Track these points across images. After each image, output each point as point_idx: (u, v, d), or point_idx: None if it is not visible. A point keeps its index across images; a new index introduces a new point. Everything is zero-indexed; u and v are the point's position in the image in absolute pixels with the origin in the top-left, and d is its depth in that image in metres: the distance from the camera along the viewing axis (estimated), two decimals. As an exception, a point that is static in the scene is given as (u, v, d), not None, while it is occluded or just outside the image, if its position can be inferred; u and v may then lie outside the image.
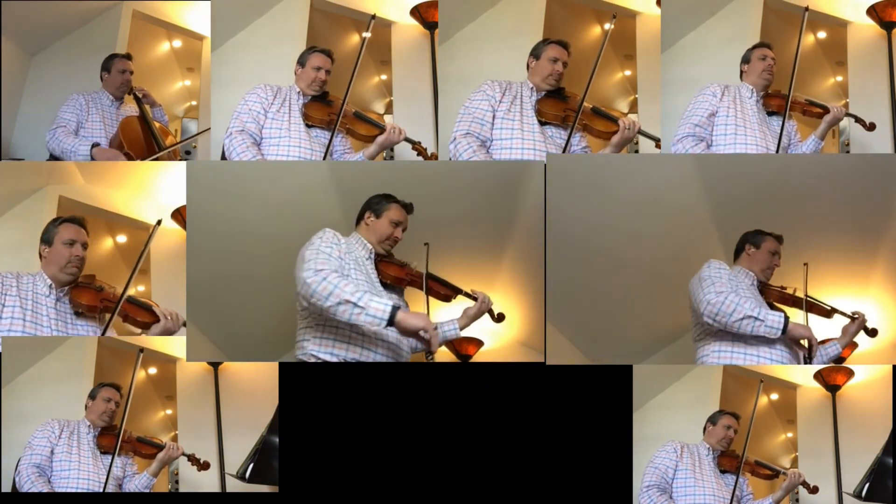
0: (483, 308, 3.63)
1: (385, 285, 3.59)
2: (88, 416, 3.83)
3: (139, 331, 3.75)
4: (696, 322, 3.75)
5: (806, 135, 3.97)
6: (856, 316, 3.81)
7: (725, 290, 3.65)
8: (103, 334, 3.69)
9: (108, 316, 3.68)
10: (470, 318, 3.63)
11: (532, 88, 3.96)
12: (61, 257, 3.68)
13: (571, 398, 3.77)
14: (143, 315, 3.72)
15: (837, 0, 4.02)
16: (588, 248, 3.93)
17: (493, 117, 3.91)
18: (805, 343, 3.69)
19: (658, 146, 3.90)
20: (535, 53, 3.97)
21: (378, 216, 3.59)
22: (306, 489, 3.77)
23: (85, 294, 3.70)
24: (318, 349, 3.51)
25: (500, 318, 3.72)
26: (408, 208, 3.62)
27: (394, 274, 3.59)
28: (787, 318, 3.64)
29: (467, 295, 3.68)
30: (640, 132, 3.89)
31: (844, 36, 4.04)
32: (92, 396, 3.83)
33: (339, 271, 3.37)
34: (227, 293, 4.02)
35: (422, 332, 3.27)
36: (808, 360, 3.70)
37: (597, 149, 3.96)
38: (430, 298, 3.63)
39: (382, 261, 3.60)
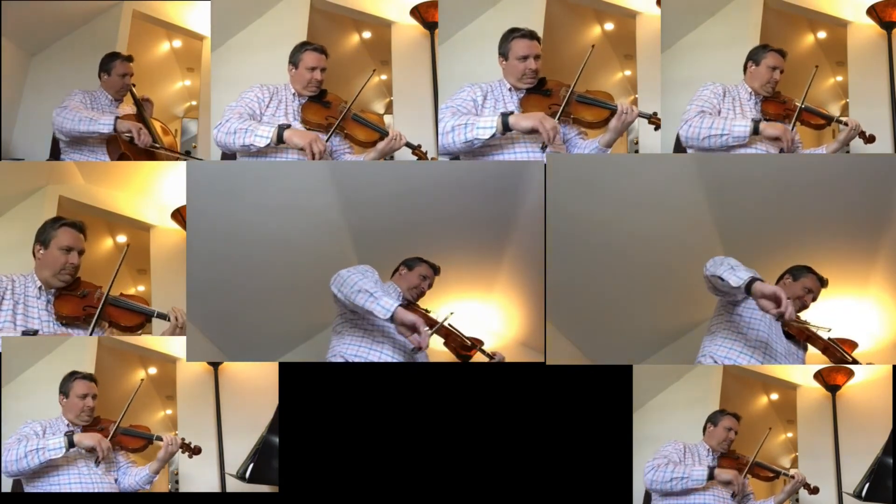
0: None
1: None
2: (66, 415, 3.76)
3: (139, 332, 3.76)
4: (714, 314, 3.75)
5: (805, 139, 3.97)
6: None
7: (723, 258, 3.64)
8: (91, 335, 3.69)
9: (94, 321, 3.69)
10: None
11: (510, 89, 3.92)
12: (56, 263, 3.67)
13: (571, 398, 3.77)
14: (129, 318, 3.71)
15: (837, 0, 4.02)
16: (588, 248, 3.93)
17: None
18: (771, 305, 3.50)
19: (656, 121, 3.86)
20: (502, 52, 3.92)
21: (410, 269, 3.88)
22: (306, 489, 3.77)
23: (67, 304, 3.68)
24: (346, 351, 3.72)
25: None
26: (435, 269, 3.90)
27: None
28: (754, 278, 3.48)
29: (483, 352, 3.84)
30: (641, 115, 3.86)
31: (844, 36, 4.04)
32: (64, 393, 3.75)
33: (370, 278, 3.72)
34: (227, 293, 4.02)
35: (416, 331, 3.62)
36: (780, 317, 3.50)
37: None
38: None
39: (408, 306, 3.81)
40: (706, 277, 3.62)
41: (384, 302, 3.61)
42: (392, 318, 3.60)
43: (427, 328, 3.64)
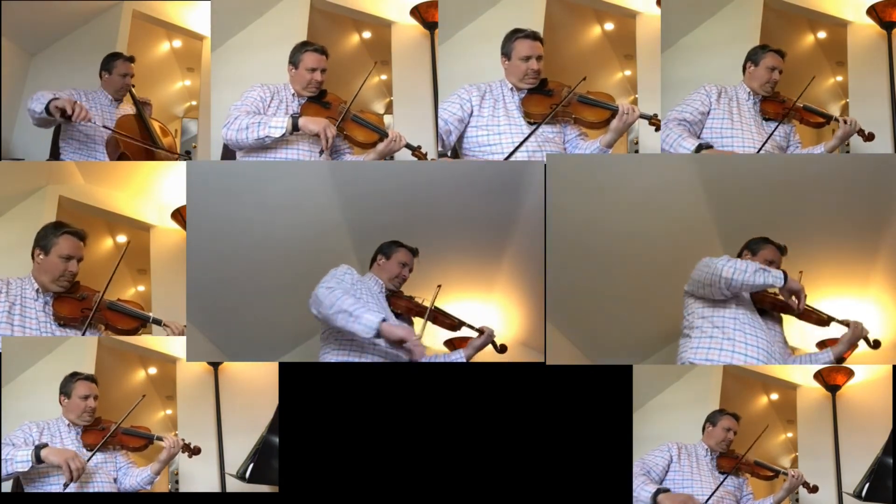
0: (487, 341, 3.86)
1: (397, 315, 3.81)
2: (66, 415, 3.75)
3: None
4: (685, 314, 3.74)
5: (805, 138, 3.97)
6: (849, 324, 3.78)
7: (728, 257, 3.66)
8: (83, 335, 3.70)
9: (88, 321, 3.70)
10: (476, 348, 3.86)
11: (512, 88, 3.92)
12: (55, 270, 3.68)
13: (571, 398, 3.77)
14: (125, 322, 3.73)
15: (837, 0, 4.02)
16: (588, 249, 3.93)
17: (468, 122, 3.90)
18: (794, 298, 3.67)
19: (656, 122, 3.86)
20: (505, 52, 3.92)
21: (388, 258, 3.87)
22: (306, 489, 3.77)
23: (66, 306, 3.70)
24: (335, 359, 3.70)
25: (502, 349, 3.88)
26: (413, 252, 3.88)
27: (403, 305, 3.85)
28: (786, 273, 3.64)
29: (471, 327, 3.86)
30: (642, 115, 3.85)
31: (844, 36, 4.04)
32: (66, 393, 3.75)
33: (347, 291, 3.68)
34: (227, 293, 4.02)
35: (406, 344, 3.63)
36: (798, 311, 3.71)
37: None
38: (438, 327, 3.90)
39: (393, 295, 3.86)
40: (730, 280, 3.59)
41: (365, 320, 3.58)
42: (378, 336, 3.59)
43: (416, 337, 3.63)
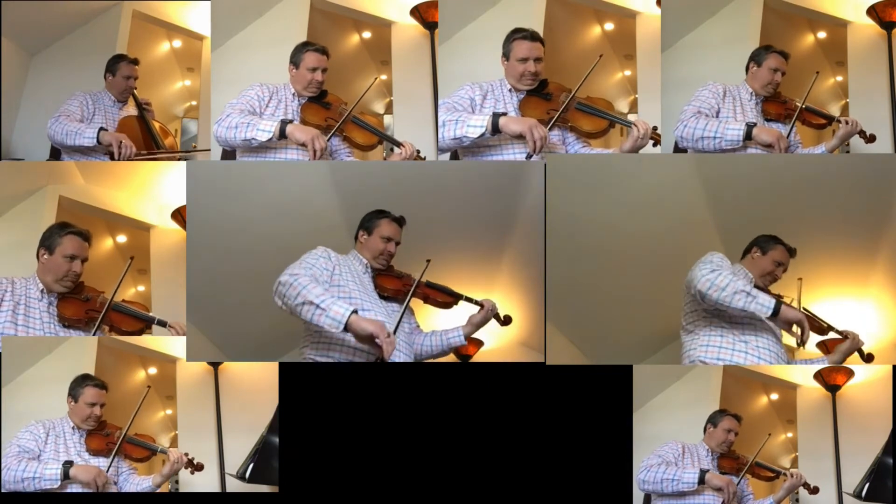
0: (488, 315, 3.74)
1: (385, 298, 3.68)
2: (72, 418, 3.75)
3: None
4: (687, 310, 3.73)
5: (805, 138, 3.97)
6: (847, 335, 3.78)
7: (721, 269, 3.60)
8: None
9: (97, 324, 3.70)
10: (475, 325, 3.74)
11: (510, 90, 3.89)
12: (59, 270, 3.68)
13: (571, 398, 3.77)
14: (130, 324, 3.73)
15: (837, 0, 4.02)
16: (588, 248, 3.93)
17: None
18: (796, 329, 3.60)
19: (655, 137, 3.83)
20: (505, 52, 3.88)
21: (370, 233, 3.70)
22: (306, 489, 3.77)
23: (70, 307, 3.70)
24: (315, 353, 3.58)
25: (506, 320, 3.80)
26: (399, 222, 3.71)
27: (392, 286, 3.69)
28: (779, 300, 3.58)
29: (470, 300, 3.76)
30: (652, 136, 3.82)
31: (844, 36, 4.03)
32: (73, 396, 3.74)
33: (315, 278, 3.46)
34: (227, 293, 4.02)
35: (376, 339, 3.34)
36: (801, 343, 3.63)
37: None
38: (431, 306, 3.76)
39: (380, 274, 3.70)
40: (703, 294, 3.55)
41: (333, 312, 3.31)
42: (346, 330, 3.33)
43: (388, 335, 3.33)
